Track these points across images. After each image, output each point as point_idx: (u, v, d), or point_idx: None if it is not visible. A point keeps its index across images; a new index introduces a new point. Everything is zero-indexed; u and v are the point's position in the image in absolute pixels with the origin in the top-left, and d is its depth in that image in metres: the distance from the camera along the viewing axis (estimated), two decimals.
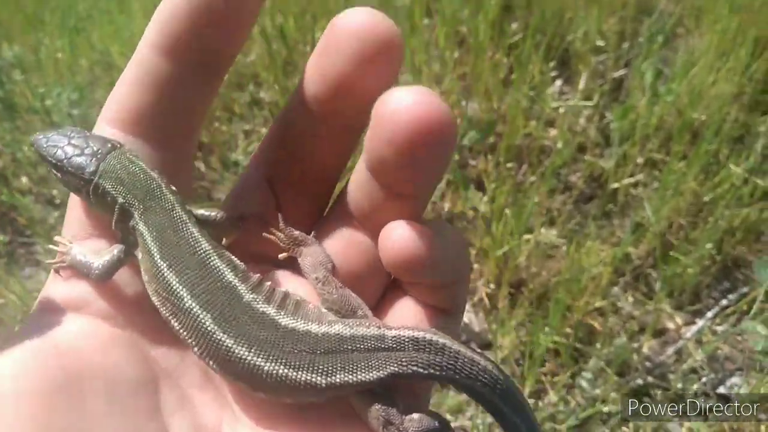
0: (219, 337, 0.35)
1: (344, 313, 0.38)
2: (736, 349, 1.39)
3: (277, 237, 0.41)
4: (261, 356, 0.35)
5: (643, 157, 1.54)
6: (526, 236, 1.42)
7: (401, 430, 0.35)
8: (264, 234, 0.41)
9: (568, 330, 1.36)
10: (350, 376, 0.35)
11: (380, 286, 0.41)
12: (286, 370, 0.35)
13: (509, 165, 1.54)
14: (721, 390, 1.33)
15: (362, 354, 0.36)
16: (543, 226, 1.47)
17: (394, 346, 0.36)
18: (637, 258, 1.47)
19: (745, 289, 1.42)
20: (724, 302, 1.42)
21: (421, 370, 0.36)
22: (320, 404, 0.37)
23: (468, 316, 1.44)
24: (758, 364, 1.32)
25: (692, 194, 1.45)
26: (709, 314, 1.41)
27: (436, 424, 0.37)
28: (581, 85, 1.66)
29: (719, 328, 1.40)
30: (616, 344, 1.29)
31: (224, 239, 0.42)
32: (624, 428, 1.24)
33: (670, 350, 1.37)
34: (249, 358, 0.35)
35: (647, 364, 1.36)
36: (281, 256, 0.41)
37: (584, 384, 1.24)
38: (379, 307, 0.41)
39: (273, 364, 0.35)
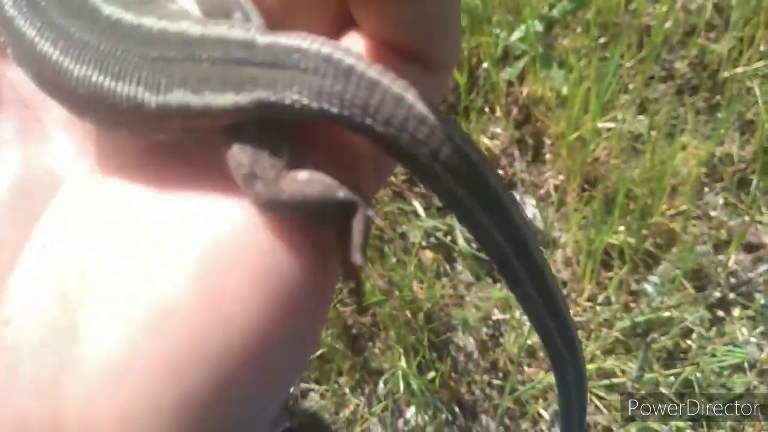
0: (24, 30, 0.24)
1: (211, 13, 0.24)
2: None
3: None
4: (69, 56, 0.23)
5: (766, 44, 1.29)
6: (609, 124, 1.25)
7: (270, 187, 0.22)
8: None
9: (645, 233, 1.21)
10: (192, 97, 0.22)
11: (323, 18, 0.24)
12: (99, 77, 0.23)
13: (602, 40, 1.34)
14: None
15: (216, 66, 0.22)
16: (632, 114, 1.28)
17: (269, 59, 0.22)
18: (741, 161, 1.26)
19: None
20: None
21: (307, 101, 0.22)
22: (176, 146, 0.24)
23: (532, 212, 1.32)
24: None
25: None
26: None
27: (333, 192, 0.22)
28: None
29: None
30: (698, 252, 1.13)
31: None
32: (688, 340, 1.11)
33: (763, 268, 1.19)
34: (55, 57, 0.23)
35: (732, 280, 1.19)
36: None
37: (649, 289, 1.10)
38: None
39: (83, 67, 0.23)
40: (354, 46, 0.23)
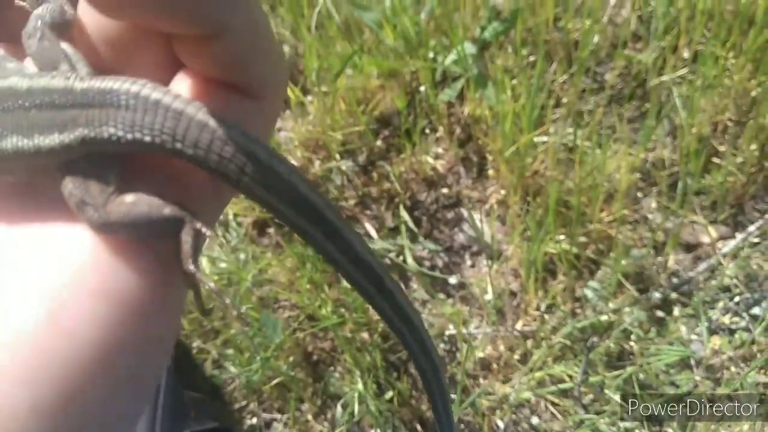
0: None
1: (43, 68, 0.27)
2: None
3: None
4: None
5: (689, 50, 1.35)
6: (543, 138, 1.29)
7: (99, 211, 0.25)
8: None
9: (586, 240, 1.25)
10: (24, 140, 0.26)
11: (153, 62, 0.28)
12: None
13: (533, 58, 1.39)
14: (756, 311, 1.20)
15: (43, 112, 0.26)
16: (566, 126, 1.33)
17: (87, 101, 0.25)
18: (673, 165, 1.31)
19: None
20: None
21: (122, 133, 0.25)
22: (26, 186, 0.28)
23: (479, 226, 1.35)
24: None
25: (740, 91, 1.26)
26: (752, 228, 1.25)
27: (158, 211, 0.26)
28: None
29: (765, 244, 1.25)
30: (635, 255, 1.17)
31: None
32: (630, 342, 1.14)
33: (702, 266, 1.24)
34: None
35: (674, 279, 1.23)
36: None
37: (590, 294, 1.14)
38: None
39: None
40: (183, 83, 0.27)
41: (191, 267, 0.26)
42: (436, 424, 0.38)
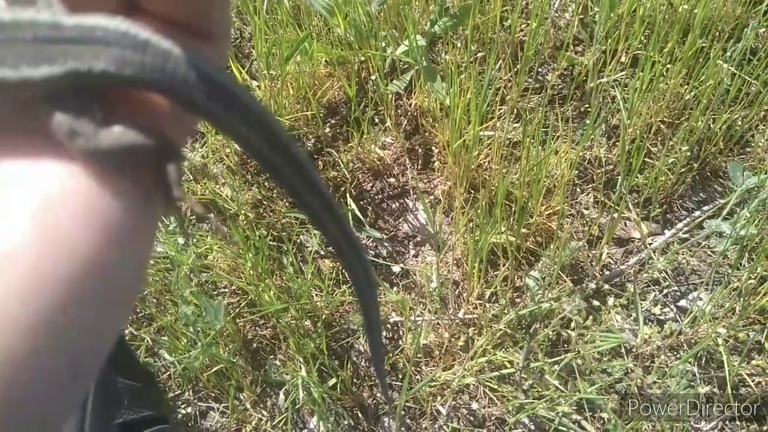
0: None
1: (20, 2, 0.29)
2: (705, 263, 1.31)
3: None
4: None
5: (627, 55, 1.41)
6: (489, 133, 1.33)
7: (90, 141, 0.26)
8: None
9: (526, 232, 1.29)
10: (11, 72, 0.26)
11: (111, 4, 0.29)
12: None
13: (480, 54, 1.42)
14: (683, 303, 1.27)
15: (29, 45, 0.26)
16: (510, 123, 1.37)
17: (75, 37, 0.26)
18: (608, 163, 1.37)
19: (721, 201, 1.33)
20: (697, 213, 1.34)
21: (111, 69, 0.27)
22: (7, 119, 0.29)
23: (423, 217, 1.37)
24: (725, 276, 1.25)
25: (674, 95, 1.34)
26: (680, 225, 1.33)
27: (145, 139, 0.27)
28: None
29: (692, 240, 1.32)
30: (573, 247, 1.22)
31: None
32: (569, 330, 1.18)
33: (633, 260, 1.30)
34: None
35: (606, 272, 1.29)
36: None
37: (531, 283, 1.18)
38: None
39: None
40: (141, 25, 0.28)
41: (177, 192, 0.28)
42: (369, 346, 0.41)
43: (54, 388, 0.24)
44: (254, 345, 1.30)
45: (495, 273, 1.27)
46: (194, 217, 1.22)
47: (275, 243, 1.34)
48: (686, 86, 1.34)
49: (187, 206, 0.29)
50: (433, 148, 1.43)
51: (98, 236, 0.25)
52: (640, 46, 1.41)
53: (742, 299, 1.18)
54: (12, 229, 0.24)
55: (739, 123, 1.36)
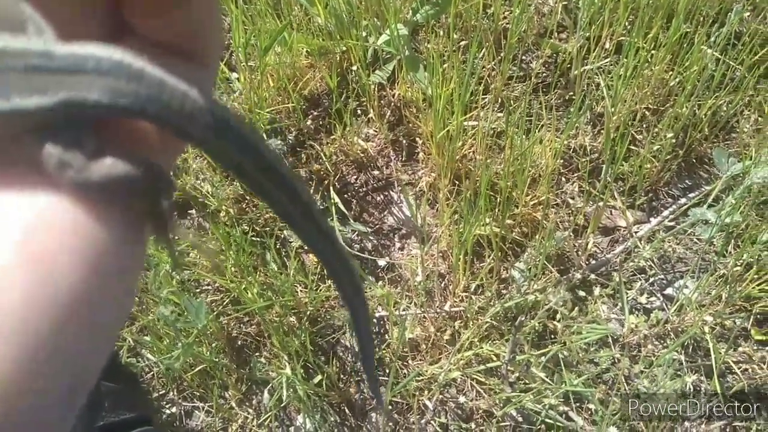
0: None
1: (8, 29, 0.28)
2: (691, 250, 1.31)
3: None
4: None
5: (611, 42, 1.40)
6: (473, 122, 1.31)
7: (80, 173, 0.26)
8: None
9: (511, 222, 1.27)
10: (1, 102, 0.26)
11: (98, 29, 0.29)
12: None
13: (463, 43, 1.40)
14: (669, 291, 1.27)
15: (20, 75, 0.26)
16: (494, 112, 1.35)
17: (68, 66, 0.26)
18: (593, 152, 1.36)
19: (707, 188, 1.32)
20: (683, 201, 1.33)
21: (104, 100, 0.26)
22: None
23: (409, 210, 1.35)
24: (711, 264, 1.24)
25: (659, 81, 1.32)
26: (666, 213, 1.32)
27: (136, 170, 0.27)
28: None
29: (678, 228, 1.32)
30: (558, 237, 1.21)
31: None
32: (555, 321, 1.18)
33: (619, 249, 1.29)
34: None
35: (592, 261, 1.28)
36: None
37: (516, 275, 1.16)
38: None
39: None
40: (130, 47, 0.27)
41: (169, 224, 0.28)
42: (358, 344, 0.40)
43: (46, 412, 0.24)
44: (239, 342, 1.28)
45: (481, 265, 1.26)
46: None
47: (258, 239, 1.31)
48: (671, 72, 1.33)
49: (178, 235, 0.29)
50: (417, 139, 1.41)
51: (85, 264, 0.25)
52: (624, 32, 1.40)
53: (728, 286, 1.18)
54: None
55: (724, 109, 1.35)
